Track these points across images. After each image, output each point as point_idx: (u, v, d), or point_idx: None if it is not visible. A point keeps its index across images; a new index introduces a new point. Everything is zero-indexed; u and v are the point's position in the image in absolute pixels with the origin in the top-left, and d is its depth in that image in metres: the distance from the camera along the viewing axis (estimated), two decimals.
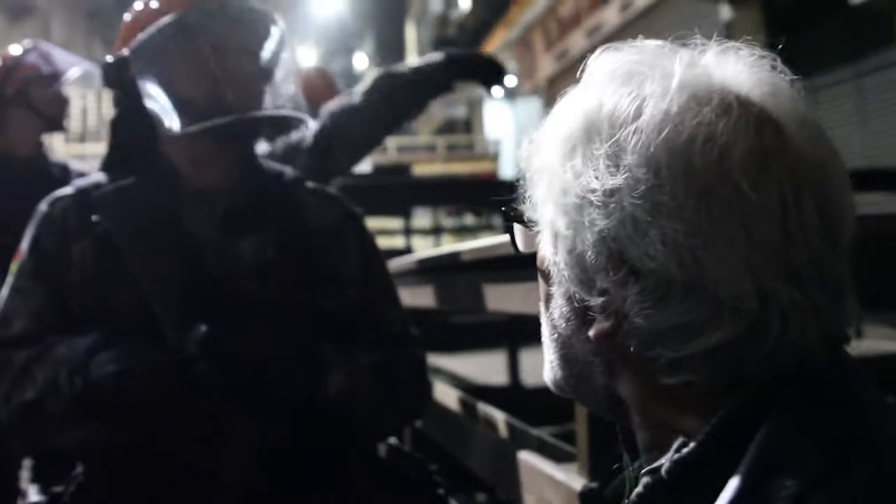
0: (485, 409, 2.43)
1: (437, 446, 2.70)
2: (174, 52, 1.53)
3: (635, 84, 0.66)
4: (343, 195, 1.74)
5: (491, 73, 2.27)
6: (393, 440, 1.78)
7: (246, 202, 1.58)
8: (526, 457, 1.91)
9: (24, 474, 2.50)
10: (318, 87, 2.60)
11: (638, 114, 0.64)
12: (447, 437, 2.68)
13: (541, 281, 0.75)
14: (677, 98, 0.64)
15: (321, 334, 1.52)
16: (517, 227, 0.78)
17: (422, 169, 16.73)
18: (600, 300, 0.66)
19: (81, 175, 2.52)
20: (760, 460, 0.60)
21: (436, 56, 2.22)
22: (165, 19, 1.53)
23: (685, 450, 0.64)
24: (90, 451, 1.47)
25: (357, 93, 2.24)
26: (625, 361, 0.69)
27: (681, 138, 0.62)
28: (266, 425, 1.44)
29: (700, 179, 0.61)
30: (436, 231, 8.68)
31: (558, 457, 1.86)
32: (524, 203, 0.75)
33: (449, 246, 3.25)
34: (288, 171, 1.70)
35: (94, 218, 1.51)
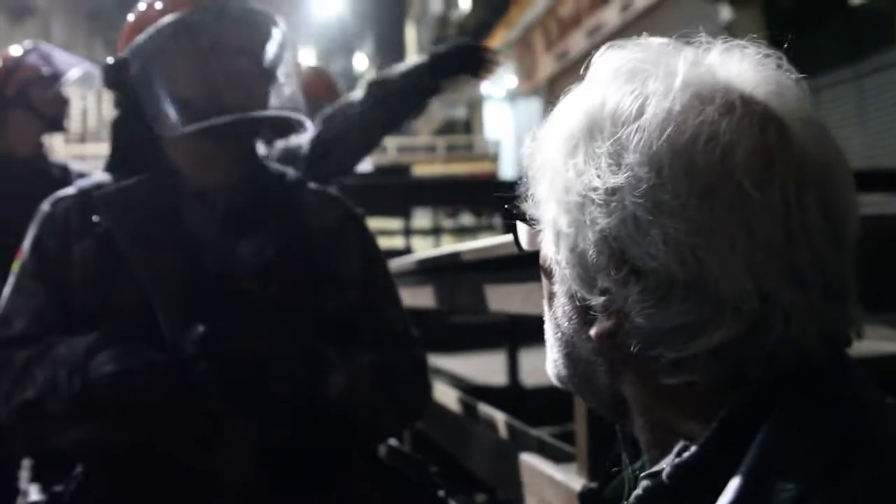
0: (484, 409, 2.43)
1: (437, 446, 2.70)
2: (173, 53, 1.53)
3: (639, 82, 0.65)
4: (343, 195, 1.74)
5: (476, 60, 2.24)
6: (393, 441, 1.78)
7: (246, 202, 1.58)
8: (525, 457, 1.91)
9: (24, 474, 2.50)
10: (317, 87, 2.60)
11: (640, 112, 0.64)
12: (447, 437, 2.68)
13: (544, 279, 0.75)
14: (680, 97, 0.63)
15: (322, 335, 1.52)
16: (520, 225, 0.78)
17: (421, 169, 16.75)
18: (601, 299, 0.66)
19: (82, 176, 2.53)
20: (761, 461, 0.60)
21: (422, 58, 2.22)
22: (165, 20, 1.53)
23: (686, 454, 0.64)
24: (89, 451, 1.47)
25: (352, 99, 2.24)
26: (626, 361, 0.68)
27: (683, 137, 0.62)
28: (265, 425, 1.44)
29: (702, 178, 0.61)
30: (435, 231, 8.68)
31: (558, 457, 1.86)
32: (527, 201, 0.74)
33: (449, 246, 3.25)
34: (290, 171, 1.70)
35: (95, 218, 1.52)
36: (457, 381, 3.56)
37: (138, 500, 1.44)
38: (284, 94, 1.60)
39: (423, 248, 6.12)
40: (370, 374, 1.53)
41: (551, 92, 15.63)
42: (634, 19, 11.51)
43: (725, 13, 9.03)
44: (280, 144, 2.16)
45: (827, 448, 0.59)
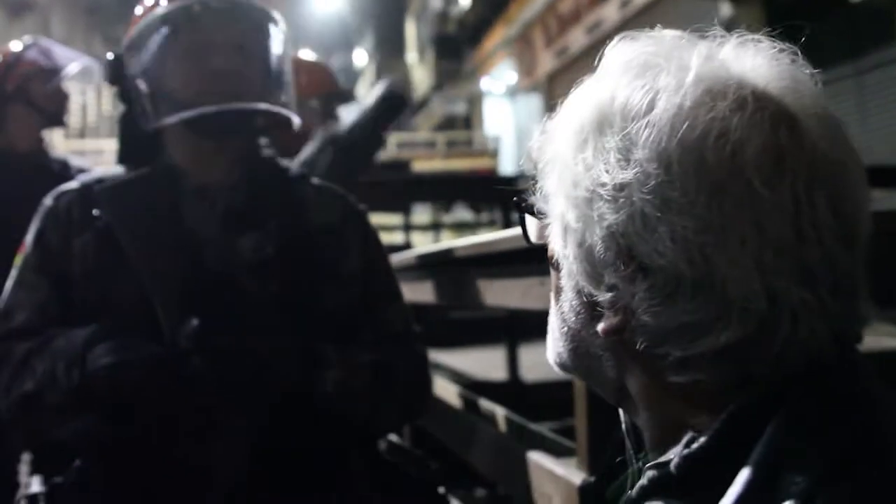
0: (484, 404, 2.44)
1: (437, 441, 2.70)
2: (161, 47, 1.54)
3: (650, 77, 0.65)
4: (346, 191, 1.73)
5: (399, 106, 2.44)
6: (393, 437, 1.78)
7: (247, 199, 1.57)
8: (526, 452, 1.91)
9: (23, 469, 2.51)
10: (317, 82, 2.59)
11: (651, 107, 0.63)
12: (447, 432, 2.68)
13: (552, 272, 0.75)
14: (692, 92, 0.63)
15: (321, 332, 1.52)
16: (529, 218, 0.77)
17: (421, 165, 16.75)
18: (608, 295, 0.66)
19: (82, 171, 2.53)
20: (770, 455, 0.60)
21: (365, 112, 2.36)
22: (155, 13, 1.54)
23: (694, 445, 0.64)
24: (87, 444, 1.48)
25: (308, 156, 2.31)
26: (634, 357, 0.68)
27: (693, 133, 0.61)
28: (258, 420, 1.44)
29: (712, 176, 0.60)
30: (435, 227, 8.68)
31: (558, 452, 1.86)
32: (535, 194, 0.74)
33: (449, 242, 3.25)
34: (292, 167, 1.69)
35: (95, 212, 1.52)
36: (457, 377, 3.56)
37: (135, 492, 1.45)
38: (273, 88, 1.59)
39: (423, 244, 6.13)
40: (368, 371, 1.53)
41: (551, 88, 15.64)
42: (634, 16, 11.50)
43: (725, 9, 9.02)
44: None
45: (836, 444, 0.59)
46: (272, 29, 1.61)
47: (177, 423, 1.43)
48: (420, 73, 27.54)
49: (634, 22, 11.18)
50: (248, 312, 1.47)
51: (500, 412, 2.29)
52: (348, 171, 2.30)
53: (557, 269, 0.72)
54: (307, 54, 2.67)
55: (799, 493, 0.57)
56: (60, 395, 1.41)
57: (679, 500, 0.64)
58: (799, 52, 0.68)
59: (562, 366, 0.76)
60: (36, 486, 1.51)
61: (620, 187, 0.63)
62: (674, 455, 0.65)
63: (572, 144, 0.67)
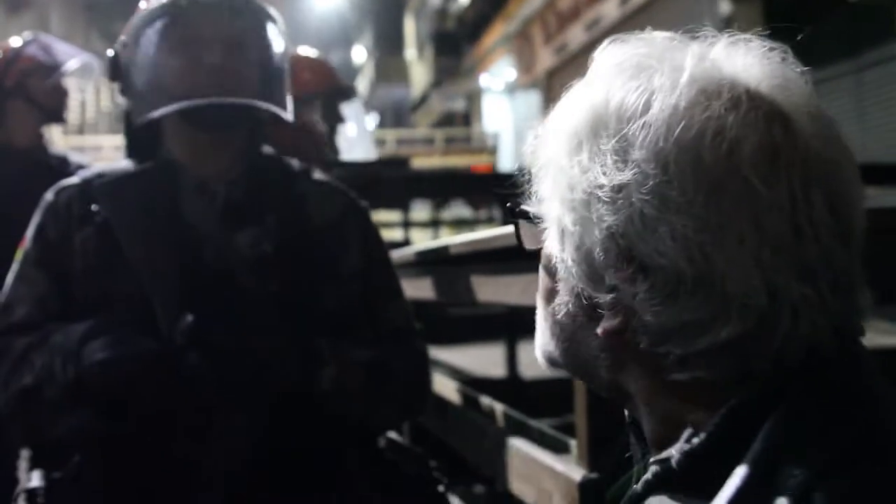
0: (484, 401, 2.44)
1: (436, 438, 2.71)
2: (155, 42, 1.54)
3: (644, 78, 0.65)
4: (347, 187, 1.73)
5: None
6: (392, 434, 1.78)
7: (246, 195, 1.57)
8: (525, 448, 1.92)
9: (22, 464, 2.51)
10: (317, 78, 2.59)
11: (646, 108, 0.63)
12: (446, 429, 2.68)
13: (543, 277, 0.75)
14: (686, 92, 0.63)
15: (320, 329, 1.52)
16: (522, 224, 0.77)
17: (420, 162, 16.73)
18: (609, 297, 0.66)
19: (81, 167, 2.53)
20: (768, 450, 0.60)
21: None
22: (150, 8, 1.55)
23: (695, 440, 0.64)
24: (85, 439, 1.48)
25: None
26: (633, 357, 0.68)
27: (690, 133, 0.61)
28: (254, 417, 1.45)
29: (709, 174, 0.61)
30: (434, 224, 8.67)
31: (557, 448, 1.86)
32: (529, 198, 0.74)
33: (447, 238, 3.25)
34: (294, 163, 1.69)
35: (94, 207, 1.52)
36: (456, 374, 3.56)
37: (132, 489, 1.45)
38: (267, 84, 1.58)
39: (422, 241, 6.13)
40: (365, 369, 1.53)
41: (550, 85, 15.63)
42: (633, 13, 11.49)
43: (725, 7, 9.02)
44: None
45: (835, 439, 0.59)
46: (267, 25, 1.61)
47: (173, 419, 1.43)
48: (419, 69, 27.51)
49: (633, 19, 11.19)
50: (246, 309, 1.47)
51: (499, 409, 2.30)
52: None
53: (550, 272, 0.72)
54: (308, 51, 2.67)
55: (796, 488, 0.58)
56: (58, 389, 1.41)
57: (682, 496, 0.64)
58: (790, 51, 0.68)
59: (553, 363, 0.76)
60: (36, 480, 1.51)
61: (618, 188, 0.63)
62: (675, 451, 0.65)
63: (566, 148, 0.67)
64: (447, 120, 25.94)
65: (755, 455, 0.60)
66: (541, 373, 0.80)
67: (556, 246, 0.70)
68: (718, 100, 0.63)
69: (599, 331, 0.68)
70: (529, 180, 0.74)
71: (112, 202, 1.53)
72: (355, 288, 1.60)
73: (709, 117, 0.62)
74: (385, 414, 1.61)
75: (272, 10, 1.63)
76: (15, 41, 2.92)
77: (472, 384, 2.97)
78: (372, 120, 29.29)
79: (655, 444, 0.71)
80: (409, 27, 29.60)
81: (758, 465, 0.60)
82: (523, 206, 0.75)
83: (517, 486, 1.94)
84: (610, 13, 12.36)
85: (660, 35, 0.70)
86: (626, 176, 0.63)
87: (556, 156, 0.68)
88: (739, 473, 0.60)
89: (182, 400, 1.41)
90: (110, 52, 1.61)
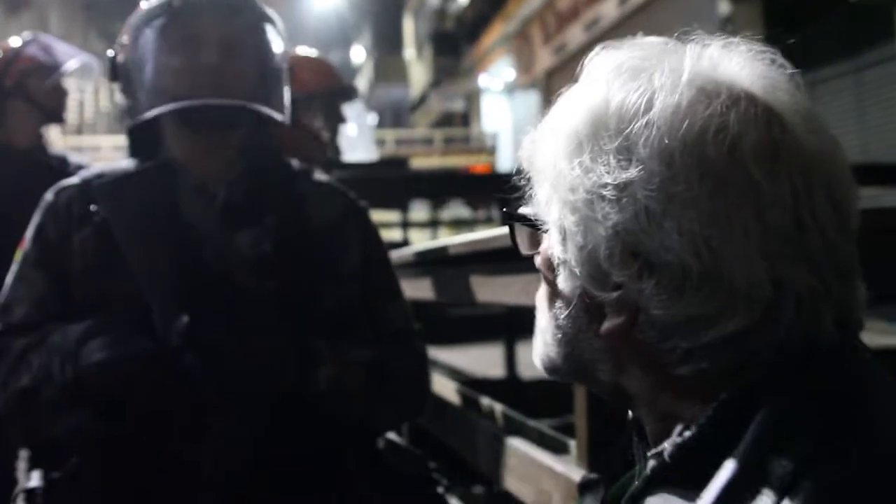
0: (483, 401, 2.44)
1: (435, 439, 2.71)
2: (151, 42, 1.54)
3: (644, 78, 0.66)
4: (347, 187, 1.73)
5: None
6: (391, 435, 1.78)
7: (246, 195, 1.57)
8: (524, 449, 1.92)
9: (20, 465, 2.51)
10: (318, 77, 2.59)
11: (648, 107, 0.65)
12: (445, 430, 2.68)
13: (543, 280, 0.75)
14: (687, 91, 0.64)
15: (319, 329, 1.52)
16: (518, 227, 0.78)
17: (419, 162, 16.74)
18: (614, 295, 0.67)
19: (80, 167, 2.53)
20: (758, 440, 0.61)
21: None
22: (146, 7, 1.55)
23: (687, 433, 0.65)
24: (83, 439, 1.48)
25: None
26: (635, 356, 0.69)
27: (693, 130, 0.63)
28: (252, 419, 1.44)
29: (713, 169, 0.62)
30: (433, 224, 8.67)
31: (557, 449, 1.86)
32: (526, 204, 0.75)
33: (447, 238, 3.25)
34: (295, 163, 1.69)
35: (93, 207, 1.52)
36: (455, 374, 3.56)
37: (130, 488, 1.45)
38: (262, 85, 1.58)
39: (421, 241, 6.13)
40: (363, 369, 1.52)
41: (549, 85, 15.64)
42: (632, 13, 11.50)
43: (724, 7, 9.02)
44: None
45: (825, 428, 0.60)
46: (265, 25, 1.61)
47: (169, 419, 1.43)
48: (418, 69, 27.52)
49: (632, 19, 11.20)
50: (245, 309, 1.47)
51: (498, 409, 2.30)
52: None
53: (550, 276, 0.73)
54: (309, 51, 2.67)
55: (784, 477, 0.58)
56: (56, 390, 1.41)
57: (680, 490, 0.65)
58: (779, 53, 0.70)
59: (551, 369, 0.77)
60: (35, 480, 1.51)
61: (623, 186, 0.64)
62: (667, 444, 0.66)
63: (566, 150, 0.68)
64: (446, 120, 25.95)
65: (745, 446, 0.61)
66: (540, 373, 0.80)
67: (556, 248, 0.70)
68: (718, 98, 0.64)
69: (603, 330, 0.68)
70: (526, 183, 0.74)
71: (111, 202, 1.53)
72: (355, 288, 1.60)
73: (711, 115, 0.63)
74: (384, 414, 1.61)
75: (270, 11, 1.63)
76: (15, 41, 2.92)
77: (472, 385, 2.97)
78: (371, 120, 29.29)
79: (656, 442, 0.71)
80: (408, 27, 29.61)
81: (747, 455, 0.61)
82: (520, 210, 0.76)
83: (516, 486, 1.94)
84: (609, 13, 12.36)
85: (651, 40, 0.72)
86: (630, 174, 0.64)
87: (555, 159, 0.69)
88: (729, 464, 0.61)
89: (178, 400, 1.41)
90: (110, 53, 1.62)
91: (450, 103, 24.75)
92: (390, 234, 6.44)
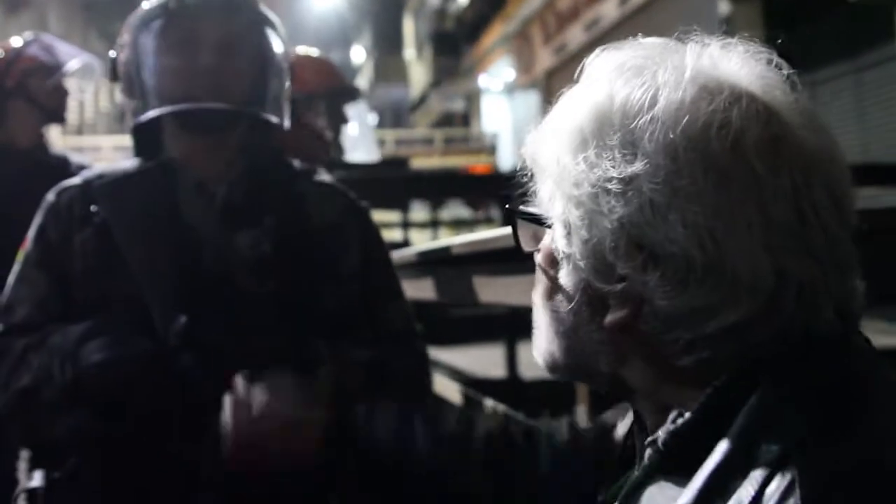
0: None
1: None
2: (148, 43, 1.55)
3: (648, 75, 0.68)
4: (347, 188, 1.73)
5: None
6: None
7: (245, 195, 1.57)
8: None
9: (21, 465, 2.51)
10: (319, 77, 2.59)
11: (653, 103, 0.66)
12: None
13: (542, 276, 0.76)
14: (690, 88, 0.66)
15: (319, 329, 1.52)
16: (520, 224, 0.79)
17: (419, 162, 16.73)
18: (619, 287, 0.68)
19: (82, 167, 2.53)
20: (749, 425, 0.63)
21: None
22: (143, 9, 1.55)
23: (680, 420, 0.67)
24: (83, 439, 1.48)
25: None
26: (637, 348, 0.70)
27: (697, 125, 0.64)
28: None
29: (717, 163, 0.64)
30: (433, 224, 8.67)
31: None
32: (527, 201, 0.76)
33: (448, 239, 3.25)
34: (296, 163, 1.69)
35: (93, 208, 1.52)
36: (456, 374, 3.56)
37: (130, 488, 1.45)
38: (259, 88, 1.58)
39: (421, 241, 6.12)
40: (363, 369, 1.53)
41: (549, 85, 15.64)
42: (632, 13, 11.50)
43: (724, 7, 9.02)
44: None
45: (815, 413, 0.62)
46: (263, 26, 1.61)
47: (169, 419, 1.43)
48: (418, 69, 27.52)
49: (633, 19, 11.20)
50: (244, 310, 1.47)
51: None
52: None
53: (551, 270, 0.74)
54: (312, 51, 2.67)
55: (773, 460, 0.60)
56: (55, 390, 1.41)
57: (674, 477, 0.66)
58: (774, 54, 0.72)
59: (552, 366, 0.78)
60: (37, 480, 1.51)
61: (629, 180, 0.65)
62: (661, 432, 0.68)
63: (570, 147, 0.70)
64: (446, 120, 25.95)
65: (736, 431, 0.63)
66: (541, 374, 0.81)
67: (560, 242, 0.71)
68: (721, 95, 0.66)
69: (606, 322, 0.70)
70: (527, 181, 0.76)
71: (111, 203, 1.53)
72: (355, 288, 1.60)
73: (714, 111, 0.65)
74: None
75: (269, 12, 1.63)
76: (16, 41, 2.92)
77: (473, 385, 2.97)
78: (371, 120, 29.30)
79: (655, 432, 0.72)
80: (408, 27, 29.61)
81: (738, 439, 0.62)
82: (521, 207, 0.77)
83: None
84: (609, 13, 12.36)
85: (652, 40, 0.73)
86: (635, 168, 0.65)
87: (558, 155, 0.70)
88: (720, 449, 0.62)
89: (178, 400, 1.41)
90: (112, 53, 1.62)
91: (450, 103, 24.74)
92: (391, 235, 6.43)
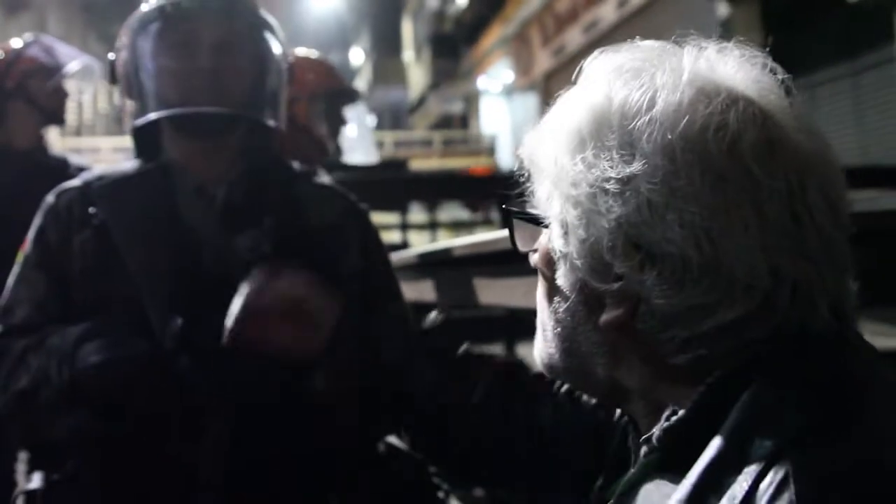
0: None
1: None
2: (146, 46, 1.55)
3: (646, 77, 0.69)
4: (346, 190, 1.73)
5: None
6: (391, 439, 1.78)
7: (245, 197, 1.58)
8: None
9: (20, 466, 2.51)
10: (322, 79, 2.59)
11: (651, 105, 0.67)
12: None
13: (540, 277, 0.77)
14: (688, 90, 0.67)
15: None
16: (517, 225, 0.80)
17: (418, 164, 16.74)
18: (615, 286, 0.68)
19: (81, 169, 2.53)
20: (743, 421, 0.63)
21: None
22: (140, 11, 1.56)
23: (674, 418, 0.68)
24: (80, 441, 1.48)
25: None
26: (633, 347, 0.71)
27: (694, 127, 0.65)
28: (247, 420, 1.44)
29: (714, 164, 0.65)
30: (432, 226, 8.68)
31: None
32: (524, 202, 0.77)
33: (448, 241, 3.25)
34: (295, 165, 1.69)
35: (92, 210, 1.52)
36: None
37: (128, 490, 1.45)
38: (256, 91, 1.58)
39: (420, 243, 6.13)
40: (361, 370, 1.53)
41: (547, 87, 15.65)
42: (631, 15, 11.51)
43: (722, 9, 9.03)
44: None
45: (809, 409, 0.62)
46: (260, 29, 1.61)
47: (168, 421, 1.43)
48: (417, 71, 27.53)
49: (631, 21, 11.21)
50: None
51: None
52: None
53: (549, 270, 0.74)
54: (311, 53, 2.67)
55: (767, 455, 0.60)
56: (54, 391, 1.41)
57: (669, 474, 0.67)
58: (769, 58, 0.73)
59: (550, 368, 0.78)
60: (36, 482, 1.51)
61: (627, 180, 0.66)
62: (656, 429, 0.69)
63: (568, 147, 0.70)
64: (445, 122, 25.95)
65: (730, 425, 0.63)
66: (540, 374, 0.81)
67: (557, 241, 0.72)
68: (718, 98, 0.67)
69: (602, 321, 0.70)
70: (525, 182, 0.77)
71: (110, 204, 1.53)
72: (354, 289, 1.60)
73: (711, 113, 0.66)
74: (383, 416, 1.61)
75: (267, 15, 1.63)
76: (16, 42, 2.92)
77: None
78: (370, 122, 29.31)
79: (649, 432, 0.72)
80: (407, 29, 29.63)
81: (732, 435, 0.63)
82: (518, 208, 0.78)
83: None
84: (608, 16, 12.38)
85: (649, 43, 0.74)
86: (633, 168, 0.66)
87: (556, 155, 0.71)
88: (714, 445, 0.63)
89: (176, 402, 1.41)
90: (111, 56, 1.62)
91: (448, 105, 24.75)
92: (389, 236, 6.44)
